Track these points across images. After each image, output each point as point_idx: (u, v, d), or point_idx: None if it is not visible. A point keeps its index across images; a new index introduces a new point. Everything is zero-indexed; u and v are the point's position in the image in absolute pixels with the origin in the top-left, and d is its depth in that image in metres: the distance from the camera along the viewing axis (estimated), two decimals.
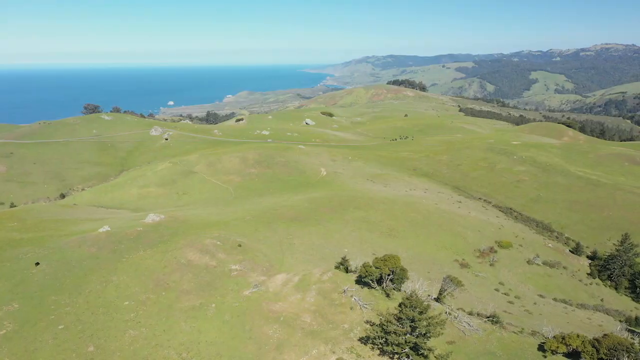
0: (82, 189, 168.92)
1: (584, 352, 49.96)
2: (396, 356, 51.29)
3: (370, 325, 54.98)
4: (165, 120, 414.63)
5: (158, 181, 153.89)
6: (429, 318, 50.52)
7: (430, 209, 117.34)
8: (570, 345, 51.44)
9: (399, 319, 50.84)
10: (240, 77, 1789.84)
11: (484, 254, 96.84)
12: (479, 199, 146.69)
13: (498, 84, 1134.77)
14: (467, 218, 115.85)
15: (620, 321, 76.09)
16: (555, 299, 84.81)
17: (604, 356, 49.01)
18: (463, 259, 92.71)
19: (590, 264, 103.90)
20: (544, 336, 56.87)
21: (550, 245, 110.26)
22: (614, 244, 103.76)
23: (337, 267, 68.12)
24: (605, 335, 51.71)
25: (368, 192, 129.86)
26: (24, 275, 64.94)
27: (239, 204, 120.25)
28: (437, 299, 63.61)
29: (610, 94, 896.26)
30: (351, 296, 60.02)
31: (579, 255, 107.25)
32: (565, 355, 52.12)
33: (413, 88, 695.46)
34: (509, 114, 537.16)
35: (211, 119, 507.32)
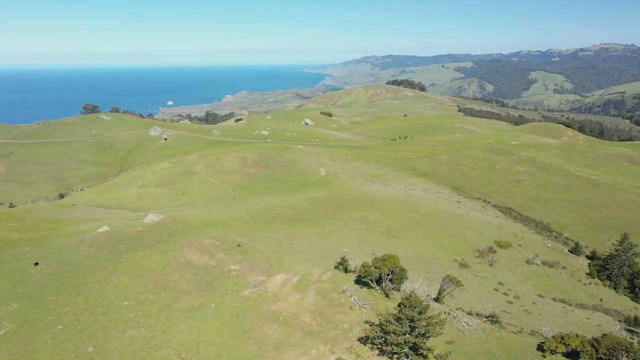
0: (81, 189, 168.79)
1: (583, 351, 49.99)
2: (395, 356, 51.29)
3: (370, 325, 54.98)
4: (164, 120, 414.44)
5: (157, 181, 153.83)
6: (428, 318, 50.53)
7: (429, 208, 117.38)
8: (569, 345, 51.47)
9: (398, 319, 50.84)
10: (239, 77, 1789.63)
11: (483, 253, 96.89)
12: (478, 198, 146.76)
13: (497, 84, 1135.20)
14: (466, 218, 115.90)
15: (619, 321, 76.17)
16: (554, 299, 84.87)
17: (603, 356, 49.04)
18: (462, 259, 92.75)
19: (589, 263, 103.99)
20: (543, 336, 56.90)
21: (549, 245, 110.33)
22: (613, 244, 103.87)
23: (336, 267, 68.13)
24: (604, 335, 51.74)
25: (367, 192, 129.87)
26: (23, 275, 64.88)
27: (238, 204, 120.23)
28: (437, 299, 63.62)
29: (609, 94, 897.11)
30: (350, 296, 60.02)
31: (578, 255, 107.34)
32: (565, 355, 52.15)
33: (412, 88, 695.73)
34: (508, 114, 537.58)
35: (210, 119, 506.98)
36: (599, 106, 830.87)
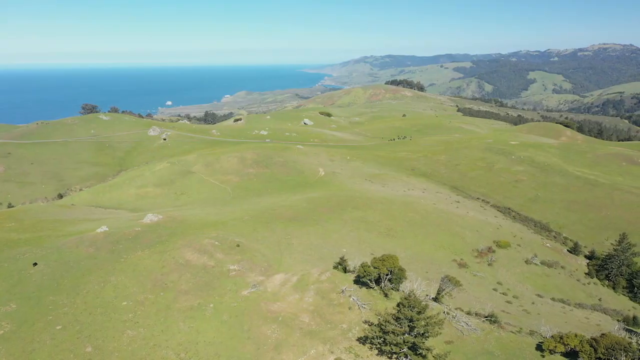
0: (80, 189, 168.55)
1: (581, 351, 50.03)
2: (394, 356, 51.31)
3: (369, 325, 54.99)
4: (163, 120, 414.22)
5: (156, 181, 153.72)
6: (427, 318, 50.54)
7: (428, 208, 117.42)
8: (568, 344, 51.52)
9: (397, 319, 50.85)
10: (238, 77, 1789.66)
11: (482, 253, 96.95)
12: (477, 198, 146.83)
13: (496, 84, 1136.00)
14: (465, 218, 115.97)
15: (618, 320, 76.26)
16: (553, 299, 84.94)
17: (601, 355, 49.09)
18: (461, 259, 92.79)
19: (588, 263, 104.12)
20: (542, 336, 56.95)
21: (548, 245, 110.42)
22: (611, 244, 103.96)
23: (335, 267, 68.14)
24: (603, 334, 51.79)
25: (366, 192, 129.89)
26: (21, 275, 64.79)
27: (237, 204, 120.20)
28: (436, 299, 63.66)
29: (608, 93, 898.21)
30: (349, 296, 60.03)
31: (576, 255, 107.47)
32: (563, 354, 52.20)
33: (411, 88, 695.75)
34: (507, 113, 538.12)
35: (209, 119, 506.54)
36: (597, 106, 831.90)
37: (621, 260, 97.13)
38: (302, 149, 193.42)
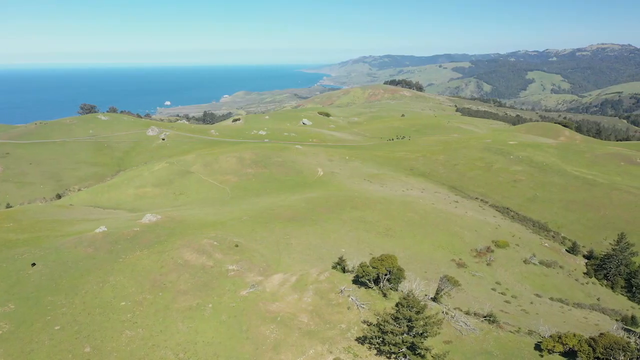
0: (79, 190, 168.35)
1: (580, 351, 50.10)
2: (393, 356, 51.33)
3: (368, 325, 55.00)
4: (162, 120, 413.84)
5: (155, 181, 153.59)
6: (426, 318, 50.57)
7: (427, 208, 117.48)
8: (566, 344, 51.58)
9: (396, 319, 50.86)
10: (237, 77, 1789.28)
11: (481, 253, 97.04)
12: (476, 198, 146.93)
13: (495, 84, 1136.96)
14: (464, 218, 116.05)
15: (616, 320, 76.31)
16: (551, 298, 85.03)
17: (600, 355, 49.16)
18: (460, 259, 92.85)
19: (586, 263, 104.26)
20: (540, 335, 57.00)
21: (546, 244, 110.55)
22: (610, 244, 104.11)
23: (334, 267, 68.15)
24: (601, 334, 51.86)
25: (365, 192, 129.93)
26: (20, 276, 64.70)
27: (236, 204, 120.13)
28: (434, 299, 63.69)
29: (606, 93, 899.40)
30: (348, 296, 60.04)
31: (575, 255, 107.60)
32: (562, 354, 52.26)
33: (410, 88, 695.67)
34: (506, 113, 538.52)
35: (208, 119, 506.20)
36: (596, 106, 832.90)
37: (619, 260, 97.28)
38: (301, 149, 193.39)
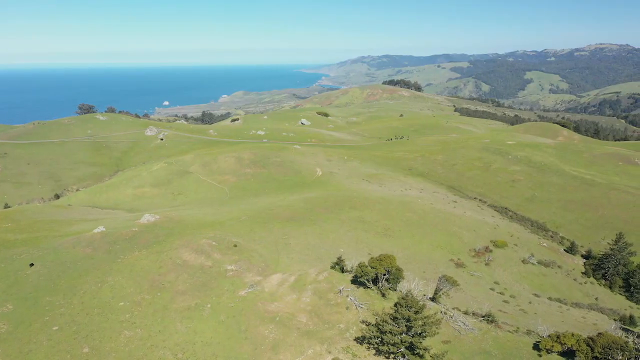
0: (77, 190, 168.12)
1: (578, 350, 50.16)
2: (392, 356, 51.34)
3: (366, 325, 55.01)
4: (160, 120, 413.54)
5: (153, 181, 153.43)
6: (425, 317, 50.58)
7: (425, 208, 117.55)
8: (565, 344, 51.63)
9: (394, 319, 50.88)
10: (235, 77, 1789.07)
11: (480, 253, 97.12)
12: (474, 198, 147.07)
13: (493, 84, 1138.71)
14: (462, 218, 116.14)
15: (614, 320, 76.40)
16: (550, 298, 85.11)
17: (598, 355, 49.22)
18: (458, 259, 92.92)
19: (584, 263, 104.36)
20: (539, 335, 57.05)
21: (545, 244, 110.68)
22: (608, 243, 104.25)
23: (332, 267, 68.11)
24: (599, 334, 51.92)
25: (364, 192, 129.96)
26: (18, 276, 64.59)
27: (235, 204, 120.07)
28: (433, 299, 63.72)
29: (604, 93, 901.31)
30: (347, 296, 60.04)
31: (573, 255, 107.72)
32: (560, 354, 52.32)
33: (408, 88, 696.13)
34: (504, 113, 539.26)
35: (206, 119, 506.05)
36: (594, 106, 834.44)
37: (618, 260, 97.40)
38: (300, 149, 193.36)
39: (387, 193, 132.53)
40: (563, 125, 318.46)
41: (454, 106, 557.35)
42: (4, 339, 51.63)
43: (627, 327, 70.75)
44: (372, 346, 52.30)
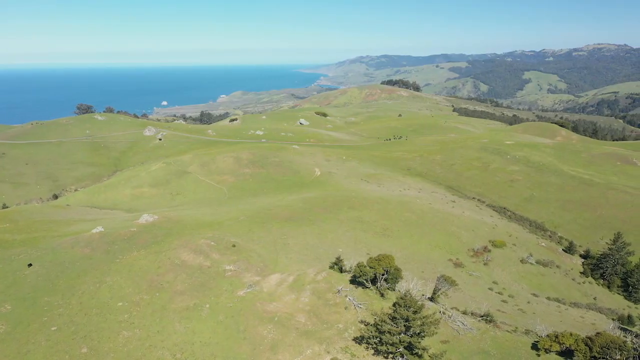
0: (75, 190, 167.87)
1: (577, 350, 50.22)
2: (390, 356, 51.35)
3: (365, 325, 55.02)
4: (158, 120, 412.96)
5: (152, 181, 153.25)
6: (423, 317, 50.59)
7: (424, 208, 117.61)
8: (563, 343, 51.69)
9: (393, 319, 50.89)
10: (234, 77, 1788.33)
11: (478, 253, 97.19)
12: (473, 198, 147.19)
13: (491, 84, 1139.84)
14: (461, 218, 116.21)
15: (612, 319, 76.56)
16: (548, 298, 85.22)
17: (596, 354, 49.28)
18: (457, 259, 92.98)
19: (583, 262, 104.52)
20: (537, 335, 57.13)
21: (543, 244, 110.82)
22: (606, 243, 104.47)
23: (331, 267, 68.10)
24: (598, 333, 51.97)
25: (362, 192, 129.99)
26: (16, 276, 64.48)
27: (233, 204, 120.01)
28: (431, 299, 63.75)
29: (602, 93, 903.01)
30: (345, 296, 60.05)
31: (572, 254, 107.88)
32: (559, 353, 52.38)
33: (407, 88, 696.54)
34: (503, 113, 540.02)
35: (205, 119, 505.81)
36: (592, 106, 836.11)
37: (616, 260, 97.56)
38: (298, 149, 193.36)
39: (385, 193, 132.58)
40: (561, 125, 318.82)
41: (453, 106, 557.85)
42: (2, 340, 51.56)
43: (626, 327, 70.88)
44: (370, 346, 52.31)
